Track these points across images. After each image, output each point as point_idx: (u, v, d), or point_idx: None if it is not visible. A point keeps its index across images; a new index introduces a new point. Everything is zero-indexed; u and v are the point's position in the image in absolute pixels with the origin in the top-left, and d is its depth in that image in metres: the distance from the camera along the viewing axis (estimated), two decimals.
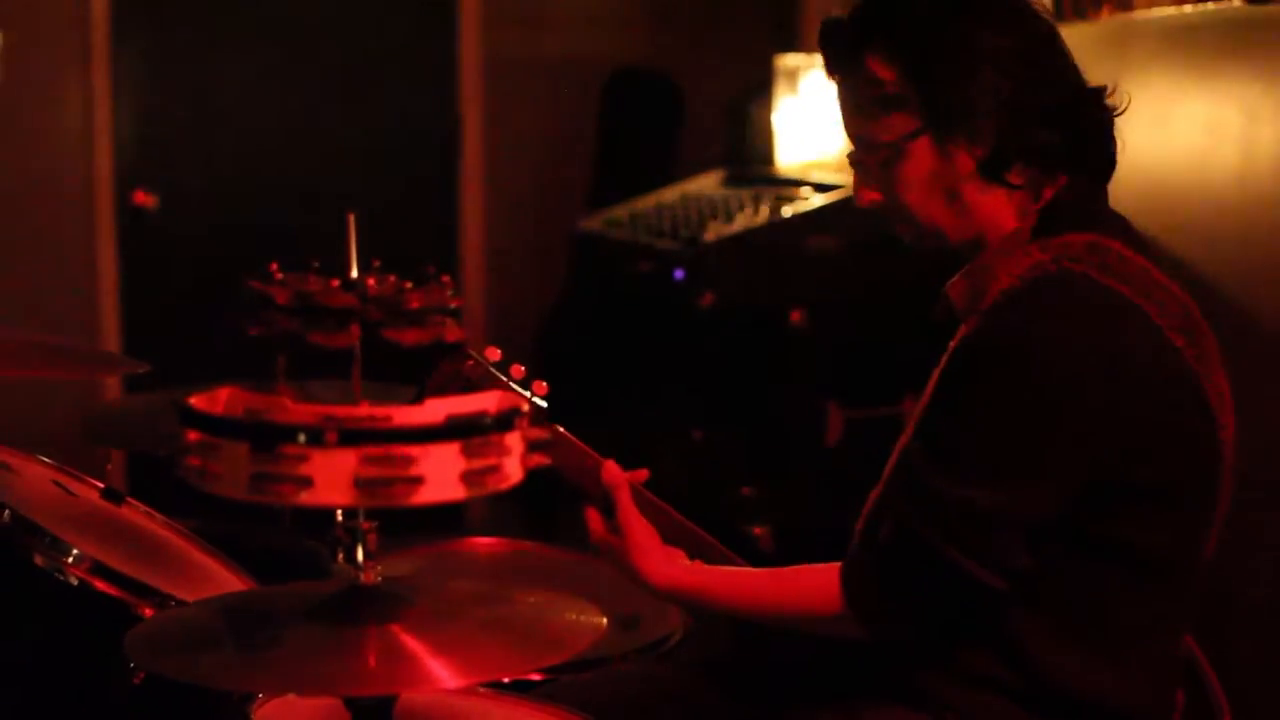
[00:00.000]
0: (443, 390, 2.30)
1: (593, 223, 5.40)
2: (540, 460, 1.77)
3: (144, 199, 5.67)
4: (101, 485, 2.78)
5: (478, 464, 1.68)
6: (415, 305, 1.76)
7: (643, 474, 2.38)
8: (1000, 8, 2.21)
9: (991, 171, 2.19)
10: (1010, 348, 2.09)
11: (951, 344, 2.22)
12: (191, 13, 5.76)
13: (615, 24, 6.28)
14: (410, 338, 1.75)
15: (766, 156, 5.10)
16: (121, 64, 5.63)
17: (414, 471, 1.64)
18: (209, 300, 5.44)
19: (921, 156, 2.22)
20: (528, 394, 2.35)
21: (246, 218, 5.80)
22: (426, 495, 1.65)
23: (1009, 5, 2.22)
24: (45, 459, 2.82)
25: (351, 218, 1.84)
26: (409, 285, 1.79)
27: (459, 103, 6.10)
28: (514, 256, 6.17)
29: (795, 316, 4.40)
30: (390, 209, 5.93)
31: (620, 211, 5.28)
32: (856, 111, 2.28)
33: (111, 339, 5.65)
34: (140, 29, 5.66)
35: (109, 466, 2.87)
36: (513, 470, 1.72)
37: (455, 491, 1.67)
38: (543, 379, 2.42)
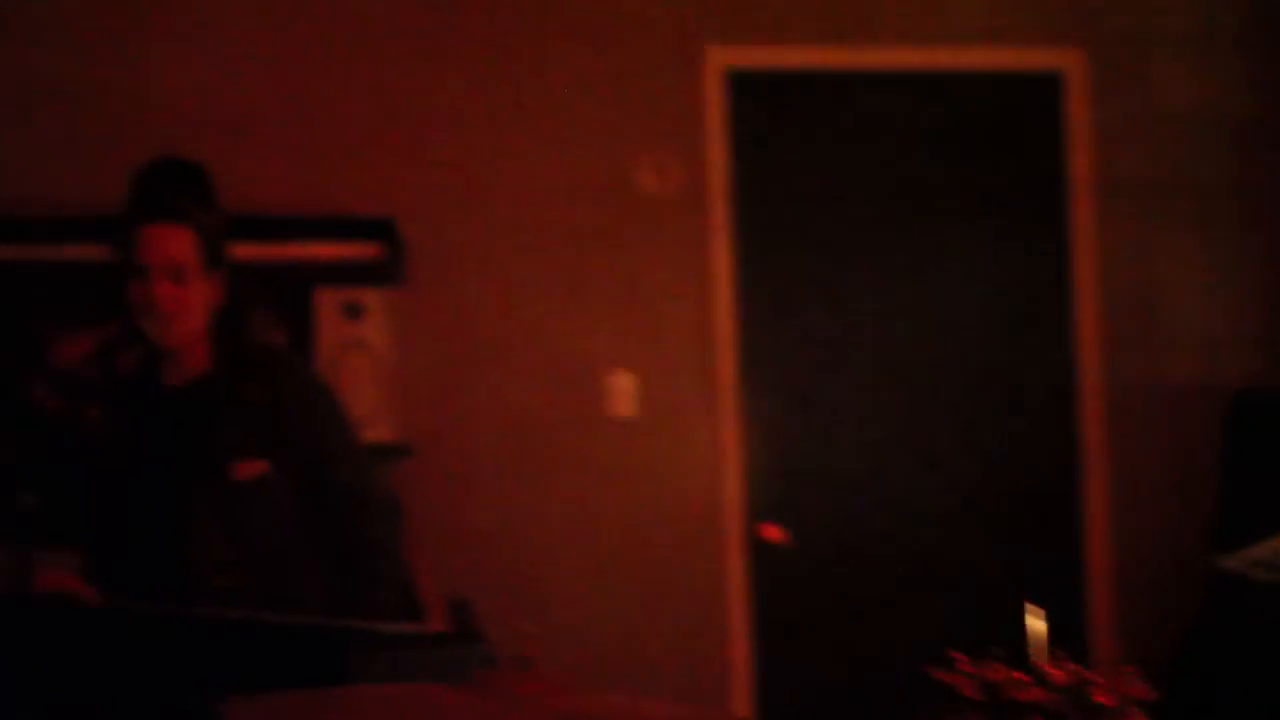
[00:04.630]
0: None
1: (1234, 561, 5.19)
2: None
3: (773, 531, 5.78)
4: None
5: None
6: (1101, 699, 1.73)
7: None
8: None
9: None
10: None
11: None
12: (816, 348, 5.90)
13: (1240, 345, 6.13)
14: None
15: None
16: (749, 399, 5.81)
17: None
18: (842, 636, 5.57)
19: None
20: None
21: (875, 552, 5.85)
22: None
23: None
24: None
25: (1029, 605, 1.82)
26: (1092, 675, 1.76)
27: (1078, 425, 6.03)
28: (1140, 585, 6.00)
29: None
30: (1011, 542, 5.90)
31: (1266, 551, 5.05)
32: None
33: (741, 677, 5.73)
34: (765, 365, 5.84)
35: None
36: None
37: None
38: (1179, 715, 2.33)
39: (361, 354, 5.27)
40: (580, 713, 2.05)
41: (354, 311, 5.27)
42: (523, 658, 2.12)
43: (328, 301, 5.27)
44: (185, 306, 3.54)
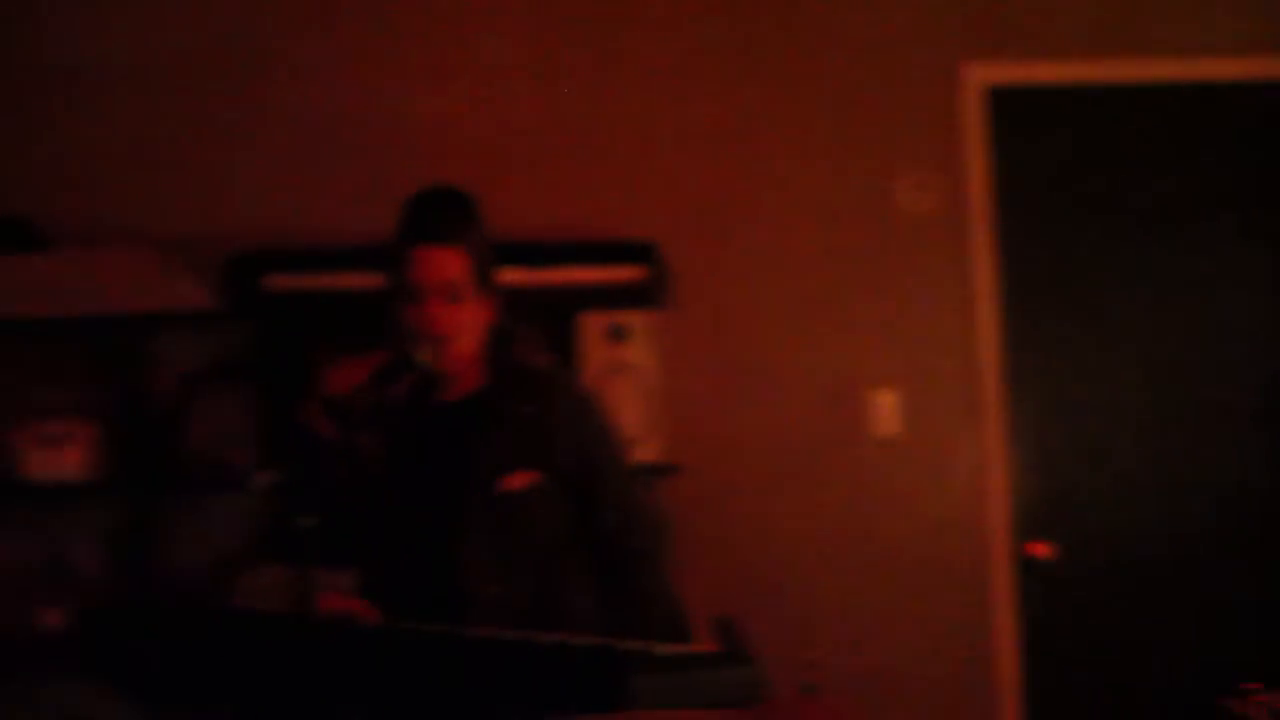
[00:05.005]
0: None
1: None
2: None
3: (1041, 550, 5.72)
4: None
5: None
6: None
7: None
8: None
9: None
10: None
11: None
12: (1081, 363, 5.84)
13: None
14: None
15: None
16: (1014, 416, 5.76)
17: None
18: (1117, 658, 5.48)
19: None
20: None
21: (1148, 570, 5.76)
22: None
23: None
24: None
25: None
26: None
27: None
28: None
29: None
30: None
31: None
32: None
33: (1009, 701, 5.67)
34: (1030, 381, 5.79)
35: None
36: None
37: None
38: None
39: (626, 376, 5.32)
40: None
41: (618, 334, 5.33)
42: (807, 684, 2.11)
43: (592, 325, 5.34)
44: (458, 328, 3.59)
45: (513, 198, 5.27)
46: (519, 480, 3.60)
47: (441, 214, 3.64)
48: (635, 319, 5.38)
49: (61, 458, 5.33)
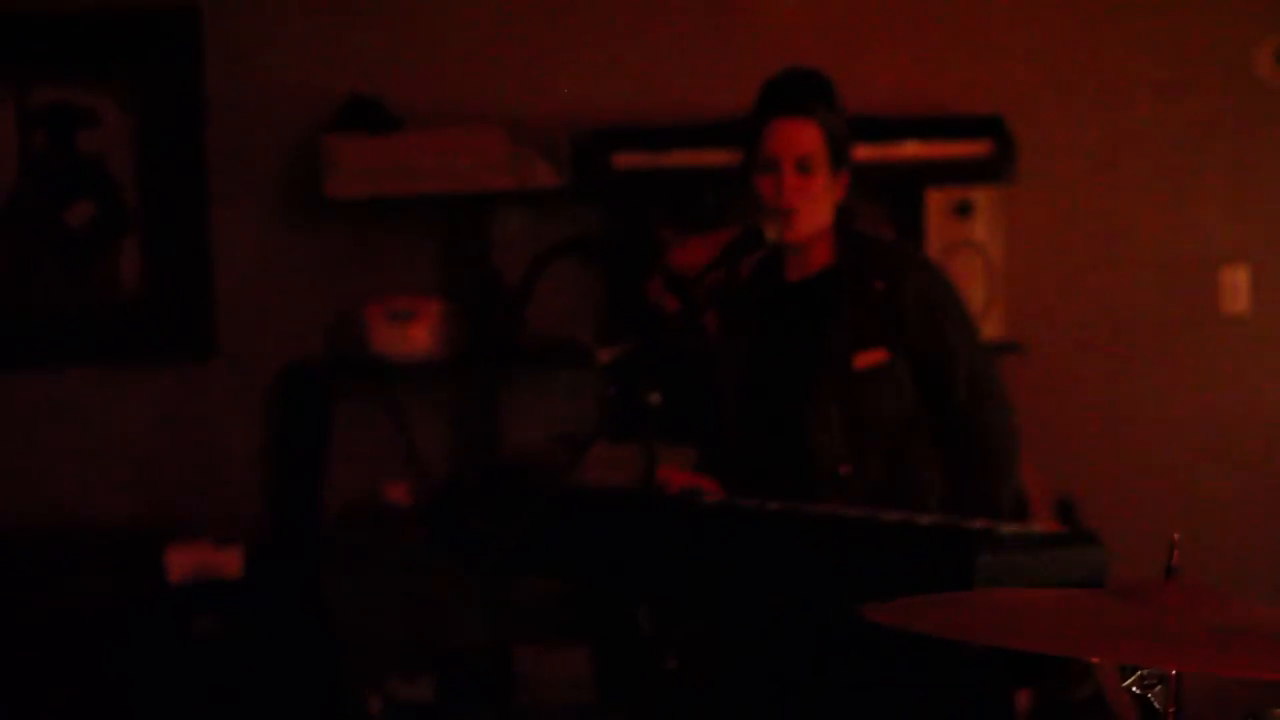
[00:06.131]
0: None
1: None
2: None
3: None
4: None
5: None
6: None
7: None
8: None
9: None
10: None
11: None
12: None
13: None
14: None
15: None
16: None
17: None
18: None
19: None
20: None
21: None
22: None
23: None
24: None
25: None
26: None
27: None
28: None
29: None
30: None
31: None
32: None
33: None
34: None
35: None
36: None
37: None
38: None
39: (970, 252, 5.27)
40: (1234, 625, 2.00)
41: (964, 210, 5.27)
42: (1169, 566, 2.08)
43: (938, 201, 5.28)
44: (811, 200, 3.60)
45: (859, 71, 5.19)
46: (871, 357, 3.61)
47: (798, 88, 3.66)
48: (980, 194, 5.31)
49: (410, 334, 5.44)
